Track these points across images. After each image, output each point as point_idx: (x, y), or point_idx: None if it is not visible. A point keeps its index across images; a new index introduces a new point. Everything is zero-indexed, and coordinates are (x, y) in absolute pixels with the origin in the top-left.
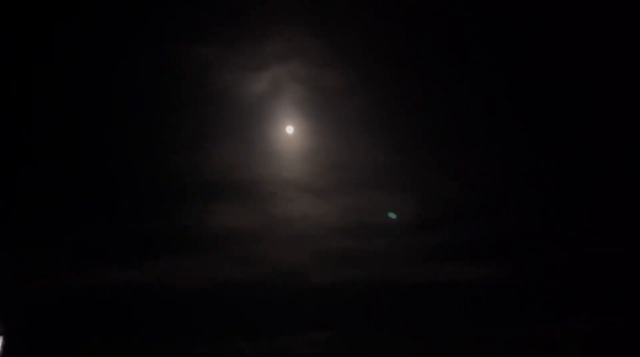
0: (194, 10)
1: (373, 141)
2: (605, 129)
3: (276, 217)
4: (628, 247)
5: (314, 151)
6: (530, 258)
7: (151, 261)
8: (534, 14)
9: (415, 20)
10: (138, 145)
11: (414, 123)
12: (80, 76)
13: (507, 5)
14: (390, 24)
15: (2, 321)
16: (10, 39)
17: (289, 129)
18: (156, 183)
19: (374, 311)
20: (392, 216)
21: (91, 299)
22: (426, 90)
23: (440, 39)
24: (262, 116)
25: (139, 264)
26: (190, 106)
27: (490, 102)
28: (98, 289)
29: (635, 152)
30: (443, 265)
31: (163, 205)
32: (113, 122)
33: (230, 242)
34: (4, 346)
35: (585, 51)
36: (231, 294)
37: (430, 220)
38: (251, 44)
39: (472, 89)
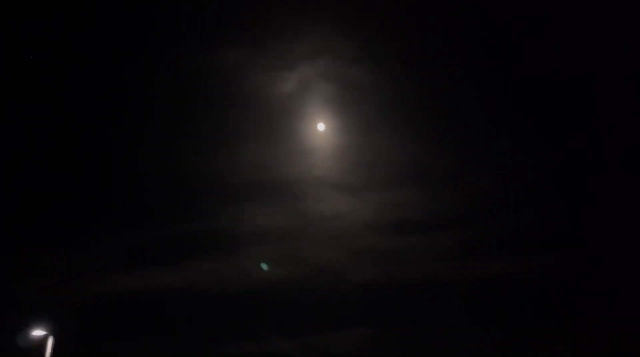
0: (224, 15)
1: (405, 137)
2: None
3: (310, 216)
4: None
5: (345, 148)
6: (571, 251)
7: (189, 263)
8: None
9: (445, 16)
10: (173, 148)
11: (445, 118)
12: (115, 81)
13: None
14: (419, 20)
15: (51, 323)
16: (46, 45)
17: (320, 127)
18: (192, 186)
19: (411, 308)
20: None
21: (131, 301)
22: (457, 85)
23: (472, 35)
24: (292, 115)
25: (177, 266)
26: (221, 108)
27: (524, 96)
28: (138, 291)
29: None
30: (481, 261)
31: (199, 208)
32: (149, 127)
33: (266, 242)
34: (53, 346)
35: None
36: (269, 294)
37: (466, 215)
38: (280, 44)
39: (505, 84)
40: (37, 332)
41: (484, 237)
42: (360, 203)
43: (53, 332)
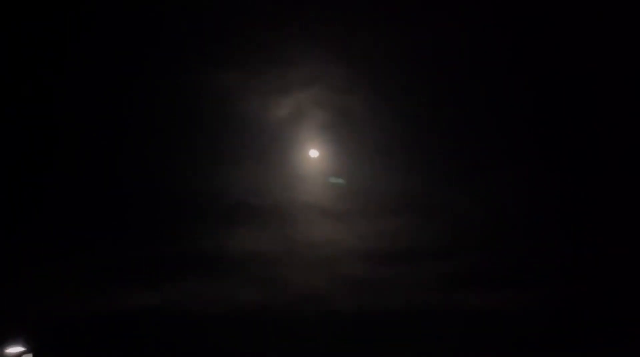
0: (217, 37)
1: (396, 166)
2: None
3: (297, 242)
4: None
5: (335, 175)
6: (559, 285)
7: (171, 284)
8: (567, 28)
9: (438, 44)
10: (160, 168)
11: (437, 148)
12: (104, 99)
13: (534, 23)
14: (413, 49)
15: (30, 340)
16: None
17: (313, 153)
18: (178, 206)
19: (397, 338)
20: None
21: (113, 320)
22: (450, 115)
23: (465, 63)
24: (284, 141)
25: (161, 287)
26: (213, 130)
27: (516, 126)
28: (118, 311)
29: None
30: (470, 292)
31: (184, 228)
32: (137, 145)
33: (251, 266)
34: None
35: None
36: (251, 319)
37: (455, 246)
38: (274, 69)
39: (498, 113)
40: (14, 349)
41: (473, 268)
42: (348, 230)
43: (33, 349)
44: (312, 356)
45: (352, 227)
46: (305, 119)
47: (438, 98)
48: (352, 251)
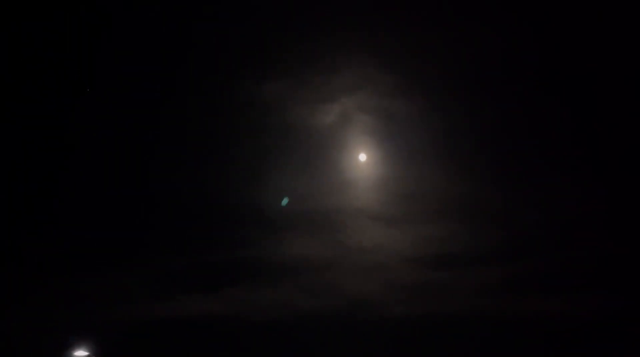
0: (265, 48)
1: (446, 169)
2: None
3: (349, 247)
4: None
5: (385, 180)
6: (620, 291)
7: (228, 291)
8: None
9: (485, 45)
10: (214, 178)
11: (488, 150)
12: (158, 112)
13: (582, 25)
14: (459, 51)
15: (96, 345)
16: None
17: (362, 157)
18: (233, 215)
19: (450, 344)
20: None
21: (170, 327)
22: (499, 116)
23: (515, 65)
24: (332, 147)
25: (216, 294)
26: (262, 139)
27: (574, 128)
28: (178, 318)
29: None
30: (523, 298)
31: (239, 236)
32: (193, 156)
33: (304, 272)
34: None
35: None
36: (305, 325)
37: (509, 251)
38: (320, 77)
39: (554, 115)
40: (80, 353)
41: (527, 274)
42: (399, 235)
43: (95, 354)
44: None
45: (402, 232)
46: (351, 125)
47: (486, 101)
48: (403, 256)
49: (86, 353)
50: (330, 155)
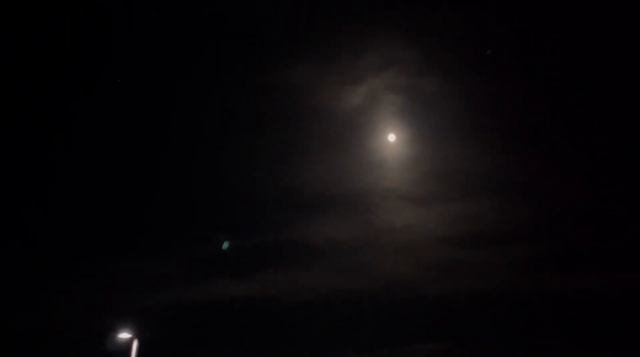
0: (291, 31)
1: (476, 147)
2: None
3: (379, 228)
4: None
5: (413, 159)
6: None
7: (262, 274)
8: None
9: (512, 23)
10: (245, 164)
11: (518, 126)
12: (189, 96)
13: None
14: (487, 28)
15: (136, 327)
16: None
17: (391, 137)
18: (264, 199)
19: (485, 323)
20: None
21: (206, 310)
22: (531, 91)
23: (544, 40)
24: (360, 128)
25: (250, 277)
26: (291, 123)
27: (606, 100)
28: (213, 301)
29: None
30: (557, 275)
31: (271, 220)
32: (222, 142)
33: (335, 254)
34: (138, 348)
35: None
36: (338, 306)
37: (541, 228)
38: (347, 58)
39: (586, 87)
40: (123, 336)
41: (560, 250)
42: (430, 215)
43: (137, 336)
44: (402, 341)
45: (432, 212)
46: (379, 105)
47: (517, 75)
48: (433, 236)
49: (129, 335)
50: (359, 137)
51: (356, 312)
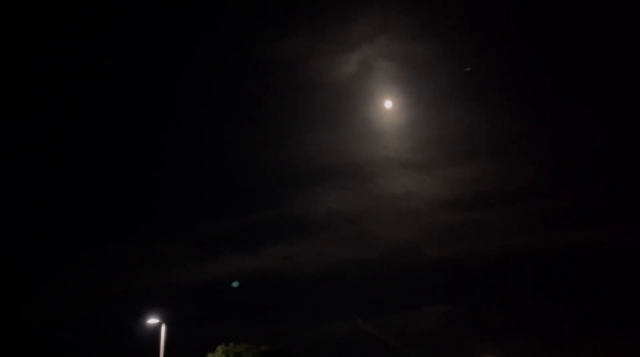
0: (280, 6)
1: (473, 109)
2: None
3: (380, 196)
4: None
5: (411, 126)
6: None
7: (266, 249)
8: None
9: None
10: (242, 142)
11: (515, 85)
12: (183, 74)
13: None
14: None
15: (164, 310)
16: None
17: (387, 104)
18: (264, 174)
19: (490, 283)
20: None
21: (214, 287)
22: (526, 50)
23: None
24: (355, 97)
25: (255, 252)
26: (286, 97)
27: (602, 58)
28: (220, 278)
29: None
30: (559, 231)
31: (272, 195)
32: (219, 119)
33: (338, 225)
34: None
35: None
36: (344, 275)
37: (542, 186)
38: (338, 27)
39: (582, 45)
40: (152, 321)
41: (562, 207)
42: (430, 180)
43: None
44: (408, 305)
45: (433, 177)
46: (373, 73)
47: (512, 35)
48: (435, 201)
49: (157, 320)
50: (355, 106)
51: (361, 281)
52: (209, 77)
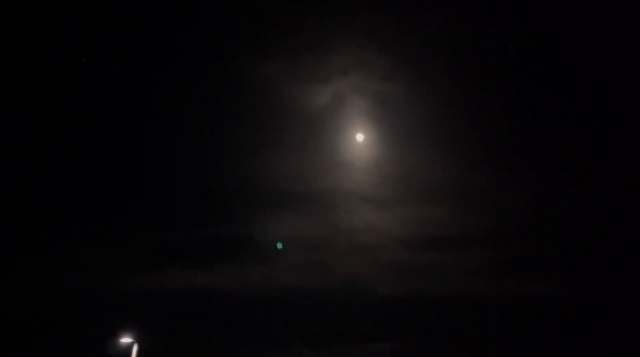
0: (260, 27)
1: (439, 152)
2: None
3: (339, 227)
4: None
5: (378, 162)
6: (607, 274)
7: (219, 267)
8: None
9: (479, 28)
10: (208, 157)
11: (480, 134)
12: (154, 91)
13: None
14: (454, 34)
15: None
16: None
17: (359, 137)
18: (225, 192)
19: (439, 325)
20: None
21: (160, 300)
22: (492, 101)
23: (507, 51)
24: (326, 128)
25: (207, 269)
26: (256, 119)
27: (564, 113)
28: (168, 291)
29: None
30: (512, 280)
31: (231, 213)
32: (185, 134)
33: (294, 251)
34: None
35: None
36: (294, 302)
37: (499, 233)
38: (314, 57)
39: (544, 100)
40: (125, 340)
41: (516, 256)
42: (391, 217)
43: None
44: (355, 339)
45: (394, 214)
46: (346, 106)
47: (480, 84)
48: (394, 238)
49: (130, 340)
50: (325, 136)
51: (311, 310)
52: (180, 92)
